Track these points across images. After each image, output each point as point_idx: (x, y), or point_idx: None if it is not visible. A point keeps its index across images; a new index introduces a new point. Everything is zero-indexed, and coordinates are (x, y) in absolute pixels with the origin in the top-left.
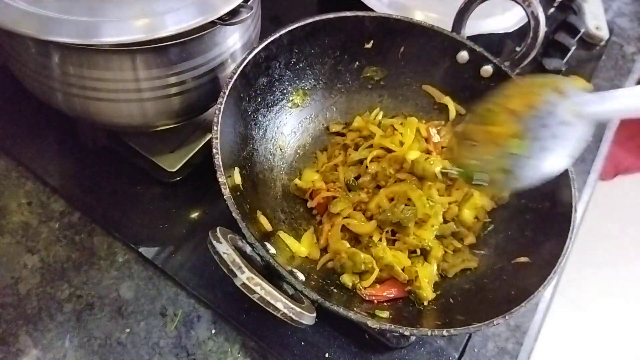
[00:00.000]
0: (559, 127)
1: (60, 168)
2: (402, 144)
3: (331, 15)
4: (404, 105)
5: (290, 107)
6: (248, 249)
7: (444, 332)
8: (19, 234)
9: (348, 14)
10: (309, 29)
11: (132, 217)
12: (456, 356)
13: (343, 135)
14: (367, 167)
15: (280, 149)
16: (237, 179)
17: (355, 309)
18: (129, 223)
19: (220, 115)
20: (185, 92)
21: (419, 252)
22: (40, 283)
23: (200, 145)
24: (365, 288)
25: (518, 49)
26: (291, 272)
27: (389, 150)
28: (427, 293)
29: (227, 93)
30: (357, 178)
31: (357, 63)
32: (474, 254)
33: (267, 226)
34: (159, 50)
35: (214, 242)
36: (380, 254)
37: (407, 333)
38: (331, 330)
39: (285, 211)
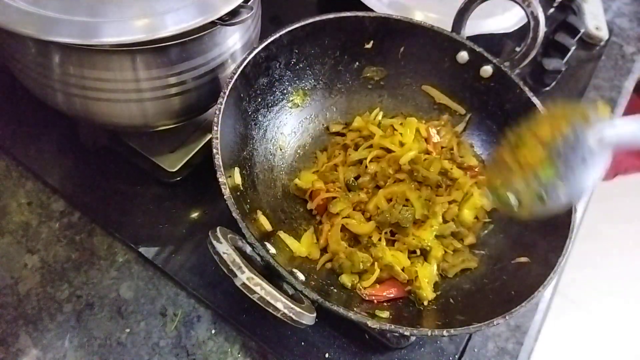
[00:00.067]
0: (586, 153)
1: (60, 168)
2: (402, 144)
3: (331, 16)
4: (404, 105)
5: (291, 107)
6: (248, 249)
7: (444, 332)
8: (19, 234)
9: (348, 14)
10: (309, 29)
11: (132, 217)
12: (456, 356)
13: (343, 135)
14: (366, 167)
15: (280, 149)
16: (237, 179)
17: (355, 309)
18: (129, 223)
19: (220, 115)
20: (186, 93)
21: (418, 252)
22: (40, 283)
23: (200, 146)
24: (365, 288)
25: (518, 49)
26: (291, 272)
27: (389, 151)
28: (427, 293)
29: (227, 93)
30: (357, 178)
31: (357, 63)
32: (474, 254)
33: (267, 226)
34: (159, 50)
35: (214, 242)
36: (380, 254)
37: (407, 333)
38: (331, 330)
39: (285, 211)
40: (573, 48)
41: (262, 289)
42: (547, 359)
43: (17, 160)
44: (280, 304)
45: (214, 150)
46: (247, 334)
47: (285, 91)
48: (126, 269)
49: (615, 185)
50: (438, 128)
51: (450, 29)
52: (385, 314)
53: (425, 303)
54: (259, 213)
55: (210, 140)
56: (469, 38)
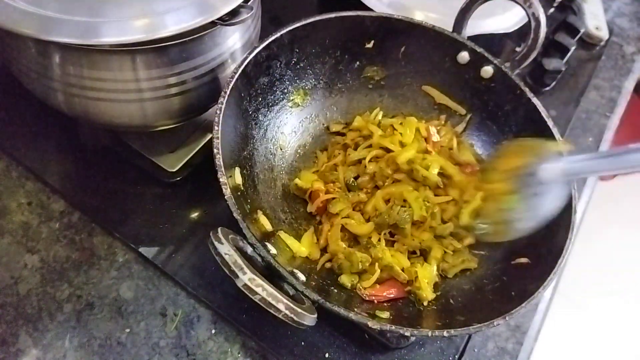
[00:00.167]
0: (539, 187)
1: (61, 168)
2: (402, 144)
3: (332, 15)
4: (404, 105)
5: (291, 107)
6: (249, 250)
7: (445, 333)
8: (19, 233)
9: (349, 13)
10: (310, 28)
11: (132, 217)
12: (456, 356)
13: (343, 135)
14: (365, 167)
15: (281, 149)
16: (238, 178)
17: (355, 309)
18: (129, 223)
19: (221, 115)
20: (185, 92)
21: (418, 252)
22: (40, 283)
23: (200, 146)
24: (365, 288)
25: (518, 49)
26: (292, 273)
27: (389, 150)
28: (427, 293)
29: (228, 92)
30: (356, 178)
31: (357, 63)
32: (473, 255)
33: (268, 226)
34: (159, 50)
35: (216, 243)
36: (380, 255)
37: (407, 334)
38: (331, 330)
39: (285, 211)
40: (573, 48)
41: (263, 290)
42: (547, 359)
43: (17, 160)
44: (282, 305)
45: (215, 150)
46: (247, 334)
47: (285, 90)
48: (126, 269)
49: (615, 185)
50: (438, 127)
51: (450, 29)
52: (386, 315)
53: (425, 303)
54: (260, 213)
55: (210, 140)
56: (469, 38)
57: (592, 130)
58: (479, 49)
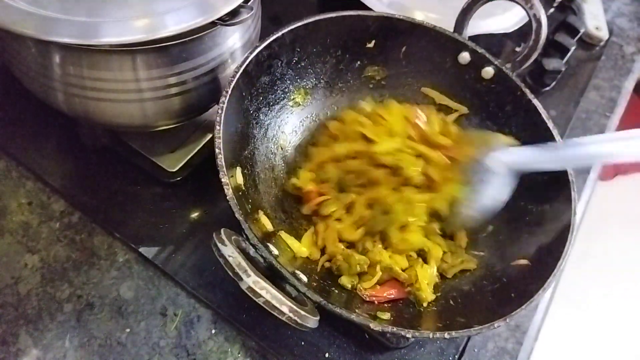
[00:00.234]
0: (485, 174)
1: (61, 168)
2: (390, 133)
3: (334, 15)
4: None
5: (292, 106)
6: (251, 251)
7: (446, 335)
8: (19, 233)
9: (351, 13)
10: (312, 27)
11: (132, 217)
12: (456, 356)
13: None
14: (346, 164)
15: (281, 148)
16: (239, 178)
17: (356, 310)
18: (129, 223)
19: (222, 114)
20: (186, 92)
21: (415, 255)
22: (41, 283)
23: (200, 146)
24: (365, 289)
25: (518, 49)
26: (294, 274)
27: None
28: (427, 294)
29: (229, 92)
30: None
31: (358, 62)
32: (473, 256)
33: (269, 226)
34: (159, 50)
35: (219, 245)
36: (378, 258)
37: (409, 335)
38: (331, 330)
39: (286, 211)
40: (573, 48)
41: (267, 293)
42: (547, 359)
43: (17, 160)
44: (286, 307)
45: (217, 150)
46: (247, 334)
47: (286, 90)
48: (126, 268)
49: (615, 185)
50: (426, 112)
51: (450, 29)
52: (386, 316)
53: (425, 304)
54: (261, 213)
55: (210, 140)
56: (469, 38)
57: (592, 130)
58: (480, 50)
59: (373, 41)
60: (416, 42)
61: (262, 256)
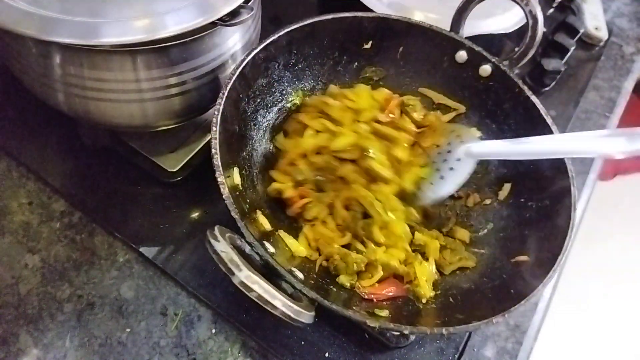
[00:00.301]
0: (455, 163)
1: (61, 168)
2: (356, 112)
3: (330, 16)
4: None
5: (290, 108)
6: (247, 248)
7: (444, 331)
8: (19, 233)
9: (347, 14)
10: (308, 29)
11: (132, 217)
12: (456, 356)
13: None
14: (312, 161)
15: (280, 150)
16: (237, 178)
17: (354, 307)
18: (130, 223)
19: (219, 116)
20: (186, 93)
21: (409, 249)
22: (41, 283)
23: (200, 146)
24: (364, 287)
25: (517, 49)
26: (290, 271)
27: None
28: (425, 291)
29: (225, 94)
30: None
31: (356, 63)
32: (472, 253)
33: (267, 226)
34: (159, 50)
35: (212, 241)
36: (373, 257)
37: (406, 332)
38: (331, 330)
39: (285, 211)
40: (572, 48)
41: (260, 287)
42: (547, 358)
43: (18, 160)
44: (279, 302)
45: (213, 151)
46: (247, 334)
47: (284, 92)
48: (127, 268)
49: (615, 185)
50: (412, 102)
51: (449, 29)
52: (385, 313)
53: (424, 301)
54: (259, 213)
55: (210, 140)
56: (469, 38)
57: (591, 130)
58: (477, 48)
59: (370, 42)
60: (413, 42)
61: (257, 254)
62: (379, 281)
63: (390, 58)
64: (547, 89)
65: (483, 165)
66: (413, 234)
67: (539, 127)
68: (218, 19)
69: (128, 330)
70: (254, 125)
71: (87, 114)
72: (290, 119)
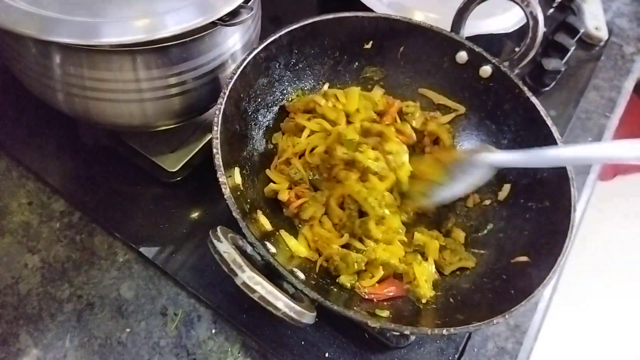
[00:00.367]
0: (469, 168)
1: (61, 168)
2: (347, 115)
3: (330, 16)
4: None
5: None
6: (249, 249)
7: (444, 331)
8: (19, 233)
9: (347, 14)
10: (309, 29)
11: (132, 217)
12: (456, 356)
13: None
14: (308, 160)
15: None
16: (238, 178)
17: (355, 308)
18: (130, 223)
19: (220, 115)
20: (186, 93)
21: (411, 249)
22: (41, 283)
23: (200, 146)
24: (364, 287)
25: (517, 49)
26: (291, 272)
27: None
28: (425, 291)
29: (227, 93)
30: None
31: (356, 63)
32: (473, 254)
33: (268, 226)
34: (159, 50)
35: (215, 242)
36: (373, 256)
37: (407, 332)
38: (331, 330)
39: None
40: (573, 48)
41: (262, 288)
42: (547, 358)
43: (18, 160)
44: (281, 303)
45: (214, 150)
46: (247, 334)
47: (285, 91)
48: (126, 268)
49: (615, 185)
50: (412, 109)
51: (449, 29)
52: (385, 313)
53: (424, 301)
54: (259, 213)
55: (210, 140)
56: (469, 38)
57: (591, 130)
58: (478, 49)
59: (371, 42)
60: (414, 42)
61: (259, 254)
62: (379, 281)
63: (391, 58)
64: (547, 88)
65: None
66: (413, 234)
67: (539, 128)
68: (218, 19)
69: (128, 330)
70: (255, 124)
71: (87, 114)
72: (287, 118)
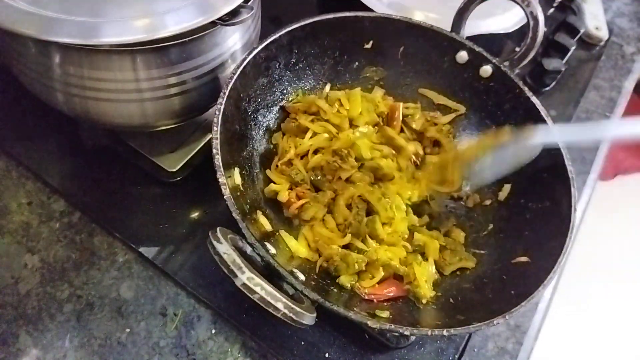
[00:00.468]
0: (509, 150)
1: (61, 168)
2: (350, 119)
3: (330, 16)
4: None
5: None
6: (248, 249)
7: (444, 332)
8: (19, 234)
9: (347, 14)
10: (309, 29)
11: (132, 217)
12: (456, 356)
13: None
14: (310, 161)
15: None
16: (237, 179)
17: (355, 308)
18: (129, 223)
19: (220, 116)
20: (186, 93)
21: (409, 247)
22: (41, 283)
23: (200, 146)
24: (364, 287)
25: (518, 49)
26: (291, 272)
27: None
28: (425, 291)
29: (227, 93)
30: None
31: (356, 63)
32: (474, 254)
33: (267, 226)
34: (159, 50)
35: (214, 243)
36: (375, 257)
37: (407, 333)
38: (331, 330)
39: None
40: (573, 48)
41: (262, 289)
42: (547, 358)
43: (17, 160)
44: (281, 304)
45: (214, 151)
46: (247, 334)
47: (285, 91)
48: (126, 268)
49: (615, 185)
50: (412, 110)
51: (449, 29)
52: (385, 314)
53: (424, 301)
54: (259, 213)
55: (210, 140)
56: (469, 38)
57: None
58: (478, 49)
59: (371, 42)
60: (414, 42)
61: (259, 255)
62: (379, 282)
63: (391, 58)
64: (547, 88)
65: None
66: (412, 234)
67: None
68: (218, 19)
69: (128, 330)
70: (255, 124)
71: (87, 114)
72: (288, 119)
